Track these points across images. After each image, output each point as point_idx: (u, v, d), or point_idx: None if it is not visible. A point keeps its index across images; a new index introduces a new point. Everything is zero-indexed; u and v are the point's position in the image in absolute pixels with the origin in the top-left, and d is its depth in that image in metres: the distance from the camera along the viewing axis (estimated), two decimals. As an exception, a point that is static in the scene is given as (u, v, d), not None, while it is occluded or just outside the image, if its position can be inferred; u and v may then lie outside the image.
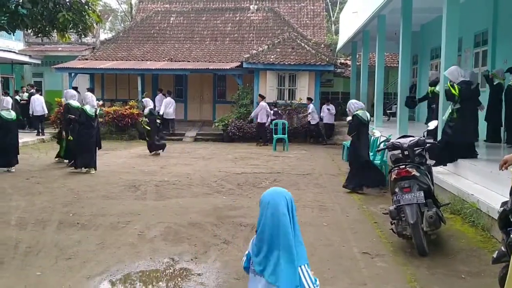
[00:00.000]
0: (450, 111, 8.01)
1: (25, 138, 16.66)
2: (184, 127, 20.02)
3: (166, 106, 18.85)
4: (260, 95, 17.57)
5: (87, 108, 10.79)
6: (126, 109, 18.41)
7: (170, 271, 4.86)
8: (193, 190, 8.85)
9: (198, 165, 12.03)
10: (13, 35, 12.71)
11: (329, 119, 18.24)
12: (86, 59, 21.93)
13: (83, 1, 9.65)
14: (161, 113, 17.93)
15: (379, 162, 9.17)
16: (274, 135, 15.85)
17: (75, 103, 11.62)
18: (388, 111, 23.18)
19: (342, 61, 26.90)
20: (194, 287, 4.43)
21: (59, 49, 23.82)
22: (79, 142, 10.75)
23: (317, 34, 25.13)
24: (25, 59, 23.18)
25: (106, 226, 6.37)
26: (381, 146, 8.25)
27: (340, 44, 25.58)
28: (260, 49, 19.39)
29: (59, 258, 5.10)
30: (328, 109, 18.08)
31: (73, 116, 11.11)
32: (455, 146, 7.91)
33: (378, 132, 8.38)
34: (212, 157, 13.63)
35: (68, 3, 9.42)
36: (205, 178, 10.01)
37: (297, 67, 18.39)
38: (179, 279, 4.66)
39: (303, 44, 19.32)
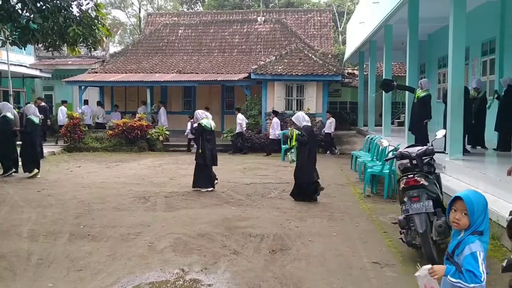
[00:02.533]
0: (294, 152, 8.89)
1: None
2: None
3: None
4: (274, 111, 17.60)
5: (33, 118, 11.94)
6: (136, 121, 18.56)
7: (180, 282, 4.88)
8: (202, 201, 8.89)
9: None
10: (24, 49, 12.89)
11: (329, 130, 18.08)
12: (96, 72, 22.19)
13: (93, 16, 9.81)
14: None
15: (387, 171, 9.17)
16: (282, 146, 15.88)
17: (10, 115, 12.10)
18: (396, 120, 23.15)
19: (350, 71, 27.03)
20: (204, 298, 4.45)
21: (69, 62, 24.16)
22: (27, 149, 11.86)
23: (324, 45, 25.25)
24: (36, 73, 23.57)
25: (116, 237, 6.42)
26: (390, 155, 8.26)
27: (347, 54, 25.71)
28: (268, 60, 19.52)
29: (71, 269, 5.15)
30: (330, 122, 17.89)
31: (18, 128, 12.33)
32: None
33: (386, 141, 8.38)
34: (220, 167, 13.63)
35: (78, 18, 9.58)
36: (214, 189, 10.04)
37: (305, 78, 18.46)
38: (189, 289, 4.68)
39: (310, 55, 19.41)
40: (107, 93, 23.32)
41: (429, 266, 2.88)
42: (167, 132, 19.06)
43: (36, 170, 11.79)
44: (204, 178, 10.01)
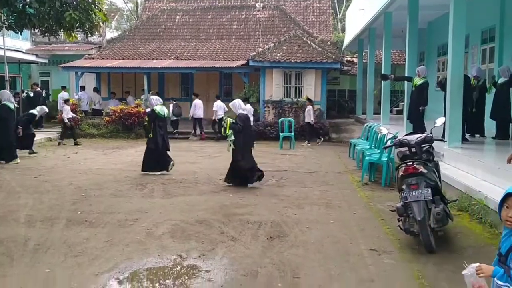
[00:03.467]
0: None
1: (33, 137, 16.75)
2: (190, 126, 19.99)
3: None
4: (308, 99, 17.40)
5: (8, 103, 11.94)
6: (133, 107, 18.47)
7: (178, 268, 4.87)
8: (200, 188, 8.88)
9: (205, 163, 12.07)
10: (21, 34, 12.79)
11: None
12: (93, 58, 22.01)
13: (90, 0, 9.68)
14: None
15: (386, 159, 9.15)
16: (280, 133, 15.84)
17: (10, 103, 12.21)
18: (395, 109, 23.14)
19: (349, 58, 26.91)
20: (202, 284, 4.45)
21: (66, 48, 23.94)
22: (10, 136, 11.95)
23: (324, 32, 25.09)
24: (32, 58, 23.36)
25: (114, 223, 6.40)
26: (388, 143, 8.24)
27: (346, 41, 25.58)
28: (266, 47, 19.39)
29: (68, 255, 5.14)
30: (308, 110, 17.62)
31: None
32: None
33: (385, 129, 8.36)
34: (218, 155, 13.64)
35: (74, 2, 9.45)
36: (211, 176, 10.04)
37: (304, 65, 18.36)
38: (187, 276, 4.68)
39: (309, 42, 19.28)
40: (104, 79, 23.17)
41: (477, 264, 2.72)
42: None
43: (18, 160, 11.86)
44: (151, 162, 10.34)
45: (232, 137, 9.00)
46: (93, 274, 4.62)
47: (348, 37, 24.77)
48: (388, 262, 5.02)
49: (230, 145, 9.09)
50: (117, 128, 18.46)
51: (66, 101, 17.17)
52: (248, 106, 17.19)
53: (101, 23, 10.76)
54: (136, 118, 18.10)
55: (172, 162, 10.48)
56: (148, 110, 10.78)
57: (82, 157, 13.01)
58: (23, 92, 19.96)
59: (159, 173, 10.24)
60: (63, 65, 21.11)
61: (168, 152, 10.64)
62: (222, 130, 9.50)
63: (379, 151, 9.85)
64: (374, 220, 6.70)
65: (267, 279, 4.55)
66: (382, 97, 16.07)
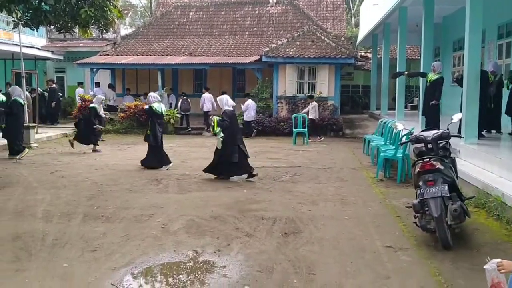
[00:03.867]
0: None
1: (49, 132, 16.97)
2: (203, 121, 20.06)
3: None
4: (310, 96, 17.34)
5: (18, 99, 12.09)
6: (145, 104, 18.53)
7: (194, 263, 4.90)
8: (214, 184, 8.90)
9: (219, 159, 12.07)
10: (36, 31, 12.89)
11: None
12: (107, 55, 22.15)
13: (105, -3, 9.74)
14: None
15: (401, 155, 9.09)
16: (293, 129, 15.81)
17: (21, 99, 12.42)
18: (409, 104, 22.95)
19: (363, 54, 26.74)
20: (218, 279, 4.46)
21: (81, 44, 24.14)
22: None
23: (337, 27, 24.95)
24: (48, 55, 23.61)
25: (129, 218, 6.45)
26: (404, 139, 8.18)
27: (360, 36, 25.41)
28: (280, 42, 19.33)
29: (85, 250, 5.19)
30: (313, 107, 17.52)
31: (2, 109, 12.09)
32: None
33: (401, 125, 8.29)
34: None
35: (90, -1, 9.52)
36: (172, 165, 10.05)
37: (317, 60, 18.27)
38: (203, 271, 4.70)
39: (323, 37, 19.19)
40: (119, 75, 23.30)
41: (498, 260, 2.74)
42: (178, 115, 19.06)
43: (26, 150, 12.15)
44: (158, 158, 10.60)
45: (222, 134, 9.15)
46: (110, 269, 4.67)
47: (362, 32, 24.60)
48: (405, 259, 4.99)
49: (221, 142, 9.21)
50: (132, 124, 18.60)
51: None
52: (250, 101, 17.31)
53: (115, 20, 10.80)
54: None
55: (171, 164, 10.65)
56: (146, 107, 11.05)
57: (97, 152, 13.11)
58: (43, 91, 20.13)
59: (168, 166, 10.47)
60: (78, 61, 21.28)
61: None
62: (211, 129, 9.81)
63: (394, 147, 9.78)
64: (390, 217, 6.66)
65: (283, 275, 4.56)
66: (396, 92, 15.93)
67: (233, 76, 23.12)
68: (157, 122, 10.63)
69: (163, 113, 10.95)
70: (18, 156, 11.76)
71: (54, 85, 20.89)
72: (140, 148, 14.00)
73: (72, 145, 13.04)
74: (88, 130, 13.15)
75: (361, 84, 27.11)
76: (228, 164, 9.22)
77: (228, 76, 23.02)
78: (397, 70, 15.40)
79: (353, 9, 41.11)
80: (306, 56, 18.24)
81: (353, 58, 18.75)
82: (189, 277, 4.56)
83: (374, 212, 6.91)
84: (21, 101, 12.30)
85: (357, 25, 34.08)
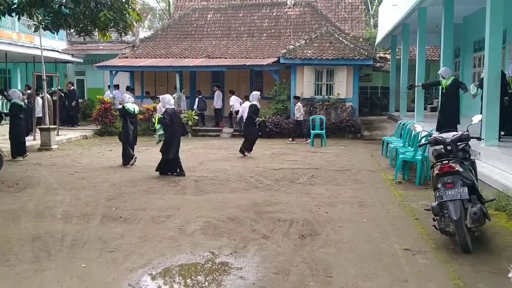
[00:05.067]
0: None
1: (69, 134, 17.21)
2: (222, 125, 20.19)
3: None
4: (296, 97, 17.68)
5: (18, 101, 12.37)
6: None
7: (211, 264, 4.91)
8: (231, 186, 8.92)
9: (236, 160, 12.11)
10: (57, 34, 13.14)
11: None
12: (126, 57, 22.38)
13: (123, 0, 9.85)
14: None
15: (420, 157, 8.98)
16: (311, 131, 15.76)
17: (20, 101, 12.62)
18: (429, 106, 22.71)
19: (381, 55, 26.52)
20: (234, 281, 4.46)
21: (100, 47, 24.43)
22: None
23: (356, 28, 24.80)
24: (68, 57, 23.96)
25: (147, 220, 6.50)
26: (423, 141, 8.08)
27: (379, 37, 25.20)
28: (298, 44, 19.29)
29: (103, 250, 5.25)
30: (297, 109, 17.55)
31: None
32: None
33: (420, 127, 8.20)
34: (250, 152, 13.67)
35: (109, 2, 9.64)
36: (242, 174, 10.07)
37: (335, 62, 18.18)
38: (220, 272, 4.71)
39: (341, 39, 19.10)
40: (137, 78, 23.52)
41: None
42: (196, 117, 19.17)
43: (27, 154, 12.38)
44: (127, 156, 11.24)
45: (161, 131, 9.79)
46: (127, 270, 4.71)
47: (381, 33, 24.40)
48: (423, 262, 4.93)
49: (159, 139, 9.92)
50: (150, 126, 18.70)
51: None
52: (246, 104, 17.37)
53: (134, 23, 10.93)
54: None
55: (135, 157, 11.30)
56: (119, 107, 11.90)
57: (116, 154, 13.21)
58: (60, 90, 20.43)
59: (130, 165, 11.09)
60: (97, 64, 21.55)
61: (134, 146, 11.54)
62: (150, 125, 10.74)
63: (413, 149, 9.67)
64: (408, 219, 6.58)
65: (299, 277, 4.54)
66: (415, 94, 15.76)
67: (250, 78, 23.13)
68: (130, 120, 11.29)
69: (136, 112, 11.60)
70: (21, 158, 12.03)
71: (73, 88, 21.20)
72: (157, 150, 14.07)
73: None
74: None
75: (380, 85, 26.89)
76: (170, 160, 9.86)
77: (246, 78, 23.04)
78: (416, 74, 15.27)
79: (371, 10, 40.82)
80: (324, 58, 18.16)
81: (372, 59, 18.60)
82: (206, 279, 4.57)
83: (392, 214, 6.84)
84: (21, 103, 12.54)
85: (375, 26, 33.83)
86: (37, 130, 14.86)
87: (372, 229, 6.09)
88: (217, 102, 20.11)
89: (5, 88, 21.24)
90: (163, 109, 10.24)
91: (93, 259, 5.00)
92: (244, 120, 13.62)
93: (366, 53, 18.33)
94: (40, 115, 16.19)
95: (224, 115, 20.87)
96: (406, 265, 4.84)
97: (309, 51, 18.53)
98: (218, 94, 20.17)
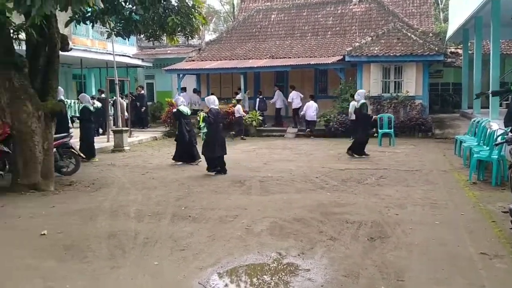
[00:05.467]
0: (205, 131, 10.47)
1: (140, 136, 17.90)
2: (285, 123, 20.21)
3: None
4: (237, 100, 18.89)
5: (88, 105, 13.10)
6: (230, 107, 18.98)
7: (278, 265, 4.91)
8: (297, 186, 8.88)
9: (301, 161, 12.05)
10: (128, 40, 13.65)
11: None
12: (193, 60, 22.93)
13: (190, 5, 10.08)
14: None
15: (496, 157, 8.50)
16: (379, 130, 15.38)
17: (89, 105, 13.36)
18: (504, 102, 21.45)
19: (453, 50, 25.36)
20: (302, 283, 4.43)
21: (168, 51, 25.22)
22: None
23: (424, 23, 23.91)
24: (138, 62, 24.96)
25: (215, 219, 6.61)
26: (499, 139, 7.65)
27: (450, 32, 24.12)
28: (363, 41, 18.90)
29: (174, 249, 5.39)
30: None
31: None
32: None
33: (496, 124, 7.76)
34: (314, 153, 13.58)
35: (176, 7, 9.89)
36: (308, 174, 10.00)
37: (403, 58, 17.64)
38: (287, 273, 4.69)
39: (409, 34, 18.50)
40: (203, 80, 24.04)
41: None
42: (260, 118, 19.29)
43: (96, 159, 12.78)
44: (181, 153, 11.94)
45: (205, 130, 10.42)
46: (197, 268, 4.81)
47: (452, 28, 23.34)
48: (500, 267, 4.67)
49: (203, 136, 10.54)
50: (196, 124, 19.06)
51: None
52: (311, 103, 18.29)
53: (200, 26, 11.15)
54: (233, 117, 18.62)
55: (199, 160, 11.58)
56: (174, 110, 12.67)
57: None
58: (131, 94, 21.31)
59: (196, 163, 11.66)
60: (166, 68, 22.24)
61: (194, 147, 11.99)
62: (196, 123, 11.81)
63: (488, 148, 9.18)
64: (484, 222, 6.25)
65: (369, 281, 4.43)
66: (490, 90, 14.94)
67: (315, 77, 22.94)
68: (185, 122, 11.92)
69: (189, 113, 12.27)
70: (90, 160, 12.47)
71: (143, 91, 22.01)
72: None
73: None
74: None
75: (451, 81, 25.75)
76: (211, 158, 10.33)
77: (310, 77, 22.88)
78: (491, 69, 14.50)
79: (441, 4, 39.22)
80: (391, 54, 17.67)
81: (442, 54, 17.88)
82: (274, 279, 4.58)
83: (466, 216, 6.53)
84: (91, 107, 13.21)
85: (446, 20, 32.45)
86: (111, 132, 15.57)
87: (445, 232, 5.84)
88: (277, 102, 20.47)
89: (81, 92, 22.44)
90: (240, 111, 10.67)
91: (165, 257, 5.15)
92: (355, 120, 13.50)
93: (436, 49, 17.65)
94: (127, 116, 17.86)
95: (287, 114, 20.97)
96: (483, 270, 4.60)
97: (376, 48, 18.09)
98: (278, 94, 20.60)
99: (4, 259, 5.19)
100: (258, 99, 20.35)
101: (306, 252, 5.21)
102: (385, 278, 4.47)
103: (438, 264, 4.79)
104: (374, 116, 13.45)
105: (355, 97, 13.17)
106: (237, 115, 18.23)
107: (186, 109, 12.18)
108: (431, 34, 20.91)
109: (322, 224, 6.30)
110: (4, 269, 4.90)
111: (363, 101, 12.71)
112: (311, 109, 18.07)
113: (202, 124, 10.58)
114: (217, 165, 10.34)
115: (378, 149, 14.15)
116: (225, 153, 10.47)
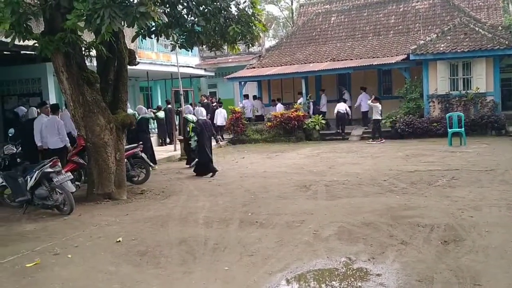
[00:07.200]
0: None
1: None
2: (350, 126, 19.90)
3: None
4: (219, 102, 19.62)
5: (147, 116, 14.00)
6: (292, 112, 18.99)
7: (348, 270, 4.85)
8: (364, 190, 8.72)
9: (367, 164, 11.82)
10: (191, 51, 14.01)
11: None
12: (254, 68, 23.14)
13: (250, 13, 10.21)
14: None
15: None
16: (449, 129, 14.79)
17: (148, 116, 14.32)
18: None
19: (525, 42, 23.95)
20: (374, 288, 4.35)
21: (229, 60, 25.64)
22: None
23: (493, 16, 22.75)
24: (201, 72, 25.54)
25: (282, 224, 6.63)
26: None
27: (521, 23, 22.83)
28: (428, 38, 18.28)
29: (243, 254, 5.46)
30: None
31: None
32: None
33: None
34: (381, 155, 13.28)
35: (236, 17, 10.05)
36: (375, 177, 9.80)
37: (472, 54, 16.87)
38: (357, 278, 4.62)
39: (477, 29, 17.69)
40: (265, 86, 24.20)
41: None
42: (323, 121, 19.15)
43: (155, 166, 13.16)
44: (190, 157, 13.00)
45: (196, 138, 11.85)
46: (267, 273, 4.84)
47: (524, 18, 22.10)
48: None
49: (195, 145, 12.07)
50: (279, 133, 19.17)
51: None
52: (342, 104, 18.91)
53: (260, 34, 11.24)
54: (296, 122, 18.61)
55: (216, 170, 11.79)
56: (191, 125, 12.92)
57: (249, 161, 13.75)
58: (195, 104, 21.86)
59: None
60: (228, 76, 22.61)
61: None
62: (186, 133, 13.03)
63: None
64: None
65: (445, 285, 4.27)
66: None
67: (378, 77, 22.45)
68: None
69: (194, 121, 12.65)
70: (156, 166, 12.99)
71: (206, 100, 22.47)
72: (287, 156, 14.38)
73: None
74: None
75: (525, 76, 24.33)
76: (205, 162, 11.48)
77: (373, 78, 22.41)
78: None
79: (510, -6, 37.17)
80: (459, 51, 16.96)
81: (514, 48, 16.92)
82: (344, 284, 4.52)
83: (549, 218, 6.14)
84: (148, 116, 13.92)
85: (516, 11, 30.71)
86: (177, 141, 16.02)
87: (526, 235, 5.52)
88: (323, 106, 21.12)
89: (148, 104, 23.31)
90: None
91: (234, 262, 5.22)
92: None
93: (506, 42, 16.73)
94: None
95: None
96: None
97: (442, 45, 17.45)
98: (324, 98, 21.33)
99: (84, 265, 5.48)
100: (311, 103, 20.34)
101: (376, 257, 5.10)
102: (461, 283, 4.29)
103: (520, 268, 4.54)
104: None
105: None
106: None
107: (191, 117, 12.84)
108: (500, 28, 19.85)
109: (392, 228, 6.14)
110: (85, 274, 5.17)
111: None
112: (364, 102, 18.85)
113: (191, 134, 12.19)
114: (210, 169, 11.38)
115: (448, 149, 13.62)
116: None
